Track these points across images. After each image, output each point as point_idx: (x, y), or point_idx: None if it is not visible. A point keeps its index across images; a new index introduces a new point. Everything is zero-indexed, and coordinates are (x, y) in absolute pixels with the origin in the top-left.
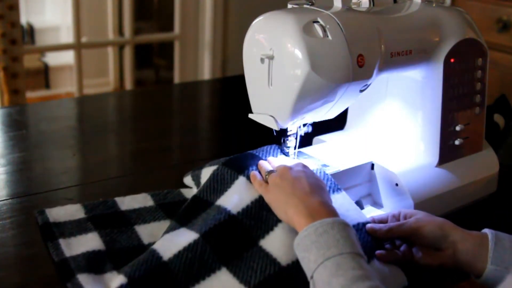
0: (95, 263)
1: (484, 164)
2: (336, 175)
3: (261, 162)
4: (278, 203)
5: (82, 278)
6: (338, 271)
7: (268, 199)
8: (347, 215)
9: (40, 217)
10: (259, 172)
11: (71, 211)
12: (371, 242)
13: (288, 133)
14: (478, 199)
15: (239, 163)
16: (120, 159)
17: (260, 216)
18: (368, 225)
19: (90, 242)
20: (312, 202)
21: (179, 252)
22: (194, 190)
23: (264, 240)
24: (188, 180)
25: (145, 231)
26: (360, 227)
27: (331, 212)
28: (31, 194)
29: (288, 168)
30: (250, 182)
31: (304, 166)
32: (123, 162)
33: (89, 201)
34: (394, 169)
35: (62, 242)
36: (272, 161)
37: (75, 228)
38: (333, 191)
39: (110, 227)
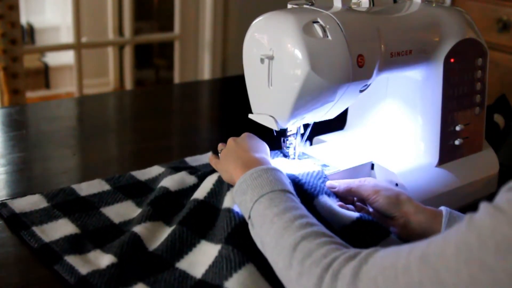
0: (77, 245)
1: (484, 164)
2: (336, 175)
3: (220, 144)
4: (224, 167)
5: (70, 259)
6: (271, 203)
7: (218, 170)
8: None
9: (4, 210)
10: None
11: (33, 201)
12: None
13: (288, 133)
14: (478, 199)
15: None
16: (120, 159)
17: (221, 190)
18: (328, 182)
19: (63, 227)
20: (248, 156)
21: (162, 242)
22: (147, 173)
23: (225, 202)
24: (157, 168)
25: (112, 212)
26: (322, 177)
27: (267, 163)
28: (31, 194)
29: (233, 139)
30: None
31: (249, 135)
32: (123, 162)
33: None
34: (394, 169)
35: (36, 229)
36: None
37: (44, 216)
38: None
39: (77, 212)
